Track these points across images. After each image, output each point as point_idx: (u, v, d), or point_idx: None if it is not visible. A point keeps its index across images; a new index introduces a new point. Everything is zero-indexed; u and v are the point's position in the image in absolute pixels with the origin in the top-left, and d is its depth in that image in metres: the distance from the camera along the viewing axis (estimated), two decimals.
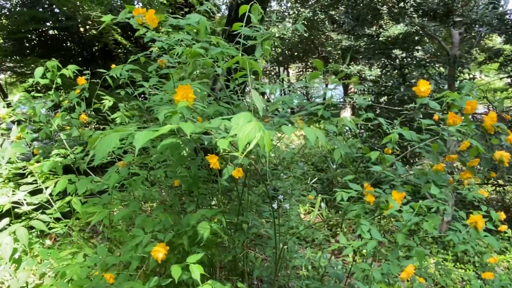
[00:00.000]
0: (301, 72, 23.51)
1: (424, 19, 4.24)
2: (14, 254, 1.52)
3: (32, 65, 11.19)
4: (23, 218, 1.87)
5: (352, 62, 11.67)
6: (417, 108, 2.07)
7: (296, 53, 17.91)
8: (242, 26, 2.16)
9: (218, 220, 1.98)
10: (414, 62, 5.23)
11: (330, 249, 3.68)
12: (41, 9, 12.04)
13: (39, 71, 2.27)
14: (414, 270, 1.84)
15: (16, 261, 1.64)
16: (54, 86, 2.67)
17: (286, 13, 15.05)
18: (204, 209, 1.99)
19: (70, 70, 2.63)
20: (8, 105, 2.58)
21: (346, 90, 16.03)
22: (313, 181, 5.51)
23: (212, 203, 2.27)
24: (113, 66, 2.52)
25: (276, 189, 5.27)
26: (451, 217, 4.95)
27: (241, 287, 1.94)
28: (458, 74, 4.65)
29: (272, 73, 22.21)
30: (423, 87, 1.95)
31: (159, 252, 1.53)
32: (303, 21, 13.57)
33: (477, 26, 4.33)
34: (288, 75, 23.76)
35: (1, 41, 12.74)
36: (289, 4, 16.13)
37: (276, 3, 18.90)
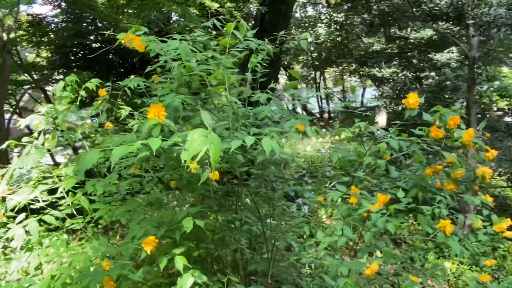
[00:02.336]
0: (338, 76, 23.34)
1: (437, 23, 4.27)
2: (28, 244, 1.79)
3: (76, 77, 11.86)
4: (40, 213, 2.15)
5: (384, 65, 11.58)
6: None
7: (332, 57, 17.87)
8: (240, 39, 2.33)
9: (213, 218, 2.18)
10: (428, 65, 5.23)
11: (307, 244, 3.78)
12: (85, 24, 12.74)
13: (60, 86, 2.56)
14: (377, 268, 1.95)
15: (29, 249, 1.92)
16: (79, 98, 2.98)
17: (319, 18, 15.09)
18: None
19: (93, 83, 2.93)
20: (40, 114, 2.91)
21: (381, 94, 15.84)
22: (332, 184, 5.58)
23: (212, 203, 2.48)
24: (131, 77, 2.79)
25: (296, 194, 5.42)
26: (471, 221, 4.90)
27: (233, 279, 2.12)
28: (477, 76, 4.62)
29: (309, 78, 22.19)
30: (412, 99, 2.07)
31: (149, 245, 1.75)
32: (335, 26, 13.61)
33: (493, 27, 4.30)
34: (324, 79, 23.64)
35: (49, 55, 13.59)
36: (323, 10, 16.17)
37: (312, 8, 19.00)
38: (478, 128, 2.44)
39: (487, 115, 5.90)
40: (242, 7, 9.95)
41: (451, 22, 4.30)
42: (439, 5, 3.93)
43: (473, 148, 2.05)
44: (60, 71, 13.51)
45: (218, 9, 9.82)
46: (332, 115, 21.82)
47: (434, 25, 4.16)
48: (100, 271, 1.69)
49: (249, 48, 2.53)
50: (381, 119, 14.53)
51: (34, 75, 12.76)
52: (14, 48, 11.46)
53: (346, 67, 18.25)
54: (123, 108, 3.18)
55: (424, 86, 5.38)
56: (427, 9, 4.08)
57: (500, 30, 4.46)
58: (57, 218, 2.09)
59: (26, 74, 12.68)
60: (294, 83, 2.12)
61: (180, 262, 1.66)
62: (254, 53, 2.40)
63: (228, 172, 2.85)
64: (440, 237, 2.00)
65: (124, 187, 2.50)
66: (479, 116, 6.07)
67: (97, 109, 3.00)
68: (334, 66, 19.75)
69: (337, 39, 14.22)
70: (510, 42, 5.22)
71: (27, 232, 1.81)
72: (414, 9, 4.34)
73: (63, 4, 12.37)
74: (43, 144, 2.53)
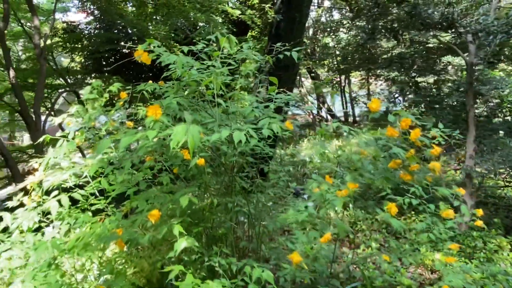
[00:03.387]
0: (363, 80, 23.40)
1: (430, 31, 4.55)
2: (60, 214, 2.28)
3: (107, 82, 12.61)
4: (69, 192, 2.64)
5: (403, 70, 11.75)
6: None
7: (356, 62, 18.01)
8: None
9: (211, 200, 2.61)
10: (426, 69, 5.51)
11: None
12: (116, 31, 13.43)
13: (87, 89, 3.05)
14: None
15: (60, 218, 2.40)
16: (103, 100, 3.48)
17: (341, 23, 15.36)
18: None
19: (115, 87, 3.42)
20: (71, 115, 3.42)
21: (404, 98, 15.90)
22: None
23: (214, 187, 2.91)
24: (150, 82, 3.26)
25: (300, 191, 5.79)
26: (470, 217, 5.14)
27: (225, 251, 2.54)
28: (474, 80, 4.87)
29: (334, 82, 22.32)
30: (375, 104, 2.44)
31: (153, 217, 2.19)
32: (357, 31, 13.83)
33: (490, 34, 4.57)
34: (349, 83, 23.73)
35: (83, 60, 14.39)
36: (348, 14, 16.38)
37: (337, 12, 19.23)
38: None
39: (489, 117, 6.11)
40: (262, 14, 10.37)
41: (444, 31, 4.59)
42: (431, 15, 4.21)
43: (420, 144, 2.40)
44: (93, 75, 14.29)
45: (240, 16, 10.29)
46: (357, 119, 21.91)
47: (427, 33, 4.46)
48: (114, 235, 2.13)
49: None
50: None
51: (68, 80, 13.54)
52: (50, 54, 12.27)
53: (371, 71, 18.35)
54: (141, 109, 3.66)
55: (422, 89, 5.67)
56: (421, 19, 4.38)
57: (496, 37, 4.72)
58: (83, 196, 2.57)
59: (61, 79, 13.50)
60: (273, 88, 2.51)
61: (176, 229, 2.09)
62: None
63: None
64: (385, 216, 2.34)
65: (140, 177, 2.95)
66: (482, 118, 6.28)
67: (120, 110, 3.48)
68: (360, 69, 19.88)
69: (362, 43, 14.43)
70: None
71: (60, 206, 2.30)
72: (409, 19, 4.64)
73: (96, 12, 13.09)
74: (73, 139, 3.02)
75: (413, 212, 5.55)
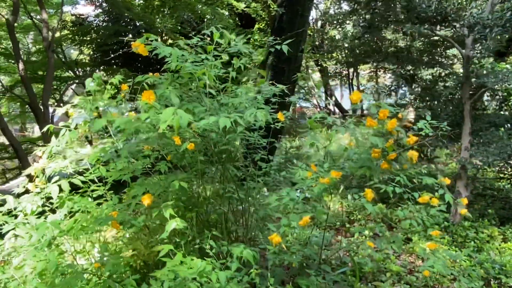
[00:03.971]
0: (372, 73, 23.32)
1: (425, 25, 4.61)
2: (61, 199, 2.44)
3: (115, 74, 12.78)
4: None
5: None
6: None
7: (362, 54, 17.94)
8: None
9: (203, 187, 2.76)
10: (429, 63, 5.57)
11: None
12: (123, 24, 13.58)
13: (88, 81, 3.21)
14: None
15: (61, 203, 2.56)
16: (111, 92, 3.63)
17: (348, 15, 15.31)
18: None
19: (116, 79, 3.57)
20: (74, 106, 3.57)
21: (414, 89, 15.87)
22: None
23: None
24: (156, 74, 3.40)
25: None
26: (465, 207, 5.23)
27: (216, 234, 2.69)
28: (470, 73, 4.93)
29: (342, 75, 22.29)
30: (355, 96, 2.56)
31: (146, 200, 2.35)
32: (363, 23, 13.82)
33: (486, 27, 4.62)
34: (357, 76, 23.67)
35: (91, 52, 14.60)
36: (356, 6, 16.32)
37: (346, 4, 19.14)
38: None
39: (487, 111, 6.18)
40: (265, 7, 10.43)
41: (439, 25, 4.64)
42: (426, 9, 4.27)
43: (396, 134, 2.51)
44: (101, 68, 14.50)
45: (245, 9, 10.38)
46: (365, 112, 21.91)
47: (421, 28, 4.52)
48: (110, 217, 2.29)
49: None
50: (410, 115, 14.67)
51: (77, 72, 13.75)
52: (59, 46, 12.47)
53: (379, 64, 18.27)
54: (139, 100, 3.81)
55: (418, 82, 5.74)
56: (416, 13, 4.43)
57: (492, 30, 4.78)
58: (85, 183, 2.74)
59: (70, 71, 13.71)
60: (262, 80, 2.64)
61: (167, 211, 2.24)
62: (240, 56, 2.89)
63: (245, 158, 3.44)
64: (363, 201, 2.46)
65: (139, 165, 3.10)
66: (484, 112, 6.34)
67: (121, 101, 3.63)
68: (368, 62, 19.80)
69: (365, 36, 14.42)
70: None
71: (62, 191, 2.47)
72: (404, 13, 4.69)
73: (104, 4, 13.24)
74: (75, 128, 3.17)
75: (409, 203, 5.65)
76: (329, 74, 22.22)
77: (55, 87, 12.74)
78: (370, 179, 2.96)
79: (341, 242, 4.43)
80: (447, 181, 3.11)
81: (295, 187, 2.55)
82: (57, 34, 13.95)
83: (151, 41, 2.74)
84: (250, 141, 3.30)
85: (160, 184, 2.62)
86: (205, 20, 12.51)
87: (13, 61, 12.09)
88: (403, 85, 6.72)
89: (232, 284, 2.18)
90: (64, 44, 13.90)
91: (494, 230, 4.63)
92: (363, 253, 3.90)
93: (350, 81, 22.05)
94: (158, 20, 12.28)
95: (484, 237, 4.53)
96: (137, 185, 2.60)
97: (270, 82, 8.09)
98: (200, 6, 10.92)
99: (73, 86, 16.09)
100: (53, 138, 3.13)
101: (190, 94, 2.71)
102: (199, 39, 2.91)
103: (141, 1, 12.98)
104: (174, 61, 2.41)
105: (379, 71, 21.36)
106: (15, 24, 15.11)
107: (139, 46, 2.46)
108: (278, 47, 3.19)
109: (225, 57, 2.91)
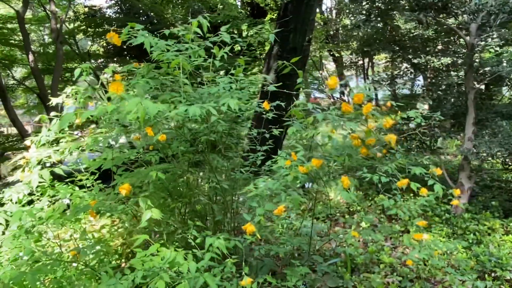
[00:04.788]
0: (388, 63, 22.93)
1: (427, 13, 4.48)
2: (42, 188, 2.49)
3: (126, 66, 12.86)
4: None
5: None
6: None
7: (375, 43, 17.63)
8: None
9: (186, 178, 2.76)
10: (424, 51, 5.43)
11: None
12: (136, 15, 13.64)
13: (77, 71, 3.23)
14: None
15: (43, 192, 2.61)
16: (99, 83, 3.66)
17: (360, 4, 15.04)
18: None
19: (110, 69, 3.59)
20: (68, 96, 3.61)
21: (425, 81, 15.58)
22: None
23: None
24: (135, 64, 3.40)
25: None
26: (467, 199, 5.13)
27: (201, 225, 2.70)
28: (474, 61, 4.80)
29: (357, 65, 22.00)
30: (332, 81, 2.52)
31: (124, 189, 2.36)
32: (376, 11, 13.58)
33: (491, 14, 4.48)
34: (372, 66, 23.34)
35: (105, 44, 14.74)
36: None
37: None
38: None
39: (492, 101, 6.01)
40: None
41: (440, 12, 4.50)
42: None
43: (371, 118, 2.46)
44: (115, 59, 14.61)
45: None
46: (380, 102, 21.61)
47: (420, 15, 4.39)
48: (87, 206, 2.32)
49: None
50: (425, 106, 14.43)
51: (90, 63, 13.89)
52: (71, 38, 12.62)
53: (394, 54, 17.94)
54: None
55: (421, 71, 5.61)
56: (415, 0, 4.31)
57: (498, 17, 4.64)
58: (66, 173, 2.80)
59: (83, 62, 13.87)
60: (240, 70, 2.61)
61: (142, 202, 2.25)
62: (225, 46, 2.85)
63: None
64: (338, 189, 2.41)
65: (124, 157, 3.12)
66: (491, 102, 6.18)
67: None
68: (381, 52, 19.47)
69: (378, 25, 14.17)
70: None
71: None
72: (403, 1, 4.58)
73: None
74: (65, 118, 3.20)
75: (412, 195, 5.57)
76: (344, 65, 21.99)
77: (67, 78, 12.90)
78: (357, 169, 2.93)
79: (336, 232, 4.40)
80: (438, 171, 3.05)
81: (275, 176, 2.53)
82: (71, 26, 14.13)
83: (137, 30, 2.75)
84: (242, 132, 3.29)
85: (141, 174, 2.64)
86: (215, 10, 12.47)
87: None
88: (416, 75, 6.57)
89: (207, 275, 2.18)
90: (78, 36, 14.05)
91: (496, 222, 4.53)
92: (355, 244, 3.86)
93: (366, 71, 21.74)
94: (170, 11, 12.31)
95: (485, 229, 4.43)
96: (117, 176, 2.62)
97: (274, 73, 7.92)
98: None
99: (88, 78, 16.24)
100: (43, 128, 3.18)
101: (170, 84, 2.70)
102: (183, 29, 2.89)
103: None
104: (147, 48, 2.41)
105: (395, 61, 21.01)
106: (30, 16, 15.35)
107: (113, 36, 2.47)
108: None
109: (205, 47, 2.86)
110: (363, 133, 2.78)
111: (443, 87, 5.68)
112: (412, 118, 2.95)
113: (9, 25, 12.02)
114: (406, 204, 2.96)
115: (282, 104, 3.43)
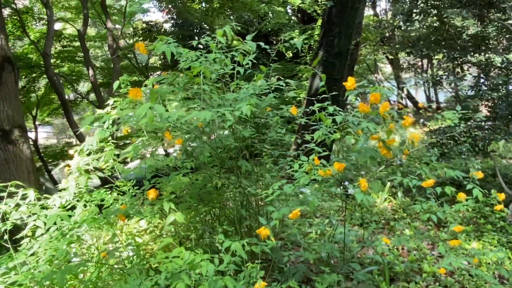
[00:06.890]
0: (447, 64, 21.88)
1: (471, 8, 4.22)
2: (80, 194, 2.70)
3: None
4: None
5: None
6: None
7: (432, 44, 16.91)
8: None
9: (215, 183, 2.84)
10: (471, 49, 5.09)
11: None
12: (190, 27, 14.14)
13: (116, 84, 3.43)
14: None
15: (80, 197, 2.79)
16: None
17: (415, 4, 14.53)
18: None
19: (150, 81, 3.77)
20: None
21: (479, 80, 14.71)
22: (380, 168, 5.79)
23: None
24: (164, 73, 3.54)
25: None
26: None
27: (226, 229, 2.75)
28: None
29: (416, 66, 21.22)
30: (350, 82, 2.48)
31: (151, 194, 2.47)
32: (430, 9, 13.06)
33: None
34: (432, 67, 22.39)
35: (162, 56, 15.40)
36: None
37: None
38: None
39: None
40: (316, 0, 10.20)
41: (486, 8, 4.22)
42: None
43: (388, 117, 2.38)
44: (169, 71, 15.15)
45: (300, 5, 10.29)
46: (441, 105, 20.63)
47: (464, 10, 4.14)
48: (118, 210, 2.46)
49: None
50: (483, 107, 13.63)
51: (148, 76, 14.63)
52: (130, 52, 13.33)
53: (453, 54, 17.13)
54: None
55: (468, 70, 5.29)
56: None
57: None
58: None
59: (142, 75, 14.61)
60: (260, 76, 2.64)
61: (167, 205, 2.35)
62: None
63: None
64: (355, 191, 2.34)
65: (170, 162, 3.25)
66: None
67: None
68: (443, 52, 18.62)
69: (434, 24, 13.62)
70: None
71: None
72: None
73: (172, 9, 13.91)
74: (108, 128, 3.40)
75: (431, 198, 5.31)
76: (401, 67, 21.28)
77: (124, 90, 13.60)
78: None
79: (377, 240, 4.26)
80: (480, 175, 2.90)
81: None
82: (130, 41, 14.94)
83: (169, 43, 2.88)
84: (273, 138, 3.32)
85: (176, 179, 2.75)
86: (264, 18, 12.62)
87: None
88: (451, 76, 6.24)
89: (227, 278, 2.22)
90: (137, 51, 14.80)
91: None
92: (395, 252, 3.73)
93: (425, 72, 20.91)
94: (219, 22, 12.63)
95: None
96: (146, 182, 2.75)
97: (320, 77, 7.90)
98: (257, 5, 11.03)
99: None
100: (87, 137, 3.40)
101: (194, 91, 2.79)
102: (209, 39, 2.97)
103: (202, 6, 13.42)
104: (168, 57, 2.52)
105: (456, 61, 19.99)
106: (94, 34, 16.36)
107: (140, 46, 2.60)
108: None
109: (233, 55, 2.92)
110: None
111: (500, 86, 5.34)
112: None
113: (75, 43, 12.95)
114: (440, 209, 2.82)
115: None
